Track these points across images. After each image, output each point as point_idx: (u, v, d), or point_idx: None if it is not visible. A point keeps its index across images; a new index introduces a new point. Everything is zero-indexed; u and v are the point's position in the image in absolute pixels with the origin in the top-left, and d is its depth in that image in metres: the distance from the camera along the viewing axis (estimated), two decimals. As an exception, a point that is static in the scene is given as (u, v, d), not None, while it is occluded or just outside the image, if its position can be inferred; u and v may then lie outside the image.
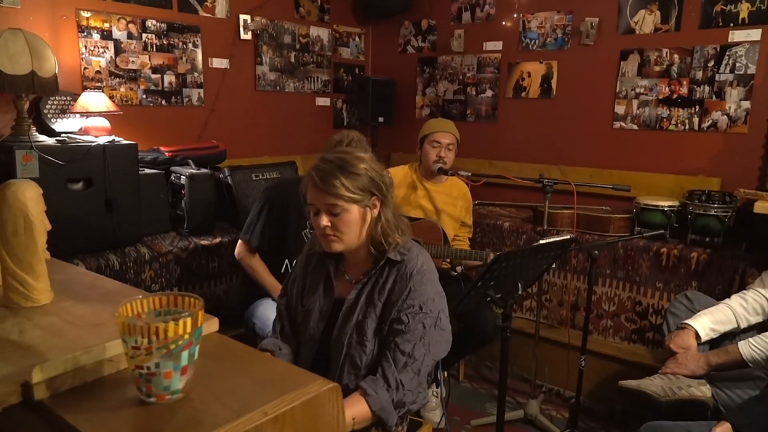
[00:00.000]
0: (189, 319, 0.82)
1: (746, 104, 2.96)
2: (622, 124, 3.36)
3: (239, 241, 2.46)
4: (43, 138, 2.43)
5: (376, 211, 1.53)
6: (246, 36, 3.57)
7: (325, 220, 1.48)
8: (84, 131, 2.65)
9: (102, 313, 1.10)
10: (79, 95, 2.66)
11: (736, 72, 2.97)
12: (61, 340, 0.97)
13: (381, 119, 4.15)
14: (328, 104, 4.21)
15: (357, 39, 4.36)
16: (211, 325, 1.07)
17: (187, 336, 0.81)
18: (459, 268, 2.75)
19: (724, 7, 2.97)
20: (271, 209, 2.39)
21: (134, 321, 0.80)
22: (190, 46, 3.30)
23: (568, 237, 1.99)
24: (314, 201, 1.50)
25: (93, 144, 2.43)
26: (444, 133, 2.87)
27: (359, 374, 1.51)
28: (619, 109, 3.36)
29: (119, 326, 0.81)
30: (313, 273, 1.67)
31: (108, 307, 1.09)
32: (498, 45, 3.80)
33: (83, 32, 2.86)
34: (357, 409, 1.42)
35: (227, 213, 3.07)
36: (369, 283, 1.55)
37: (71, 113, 2.68)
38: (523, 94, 3.73)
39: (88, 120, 2.66)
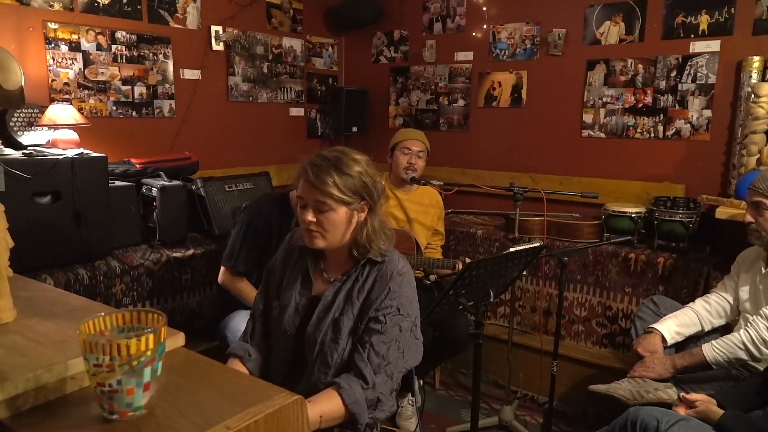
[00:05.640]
0: (151, 336, 0.82)
1: (707, 113, 3.05)
2: (590, 132, 3.43)
3: (222, 267, 2.40)
4: (9, 151, 2.39)
5: (363, 216, 1.53)
6: (218, 47, 3.56)
7: (311, 216, 1.49)
8: (52, 144, 2.61)
9: (66, 330, 1.09)
10: (47, 107, 2.63)
11: (697, 81, 3.07)
12: (23, 359, 0.96)
13: (355, 129, 4.17)
14: (302, 114, 4.22)
15: (330, 49, 4.38)
16: (177, 340, 1.07)
17: (149, 352, 0.82)
18: (432, 277, 2.78)
19: (685, 19, 3.07)
20: (255, 231, 2.35)
21: (96, 338, 0.80)
22: (160, 57, 3.28)
23: (538, 244, 2.02)
24: (304, 195, 1.50)
25: (61, 157, 2.40)
26: (414, 141, 2.93)
27: (329, 372, 1.50)
28: (587, 118, 3.43)
29: (80, 344, 0.81)
30: (292, 267, 1.66)
31: (73, 324, 1.08)
32: (469, 55, 3.86)
33: (51, 44, 2.83)
34: (325, 405, 1.39)
35: (200, 224, 3.05)
36: (348, 282, 1.56)
37: (38, 126, 2.65)
38: (494, 103, 3.79)
39: (56, 133, 2.63)
